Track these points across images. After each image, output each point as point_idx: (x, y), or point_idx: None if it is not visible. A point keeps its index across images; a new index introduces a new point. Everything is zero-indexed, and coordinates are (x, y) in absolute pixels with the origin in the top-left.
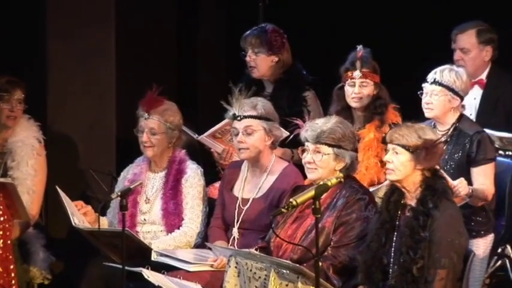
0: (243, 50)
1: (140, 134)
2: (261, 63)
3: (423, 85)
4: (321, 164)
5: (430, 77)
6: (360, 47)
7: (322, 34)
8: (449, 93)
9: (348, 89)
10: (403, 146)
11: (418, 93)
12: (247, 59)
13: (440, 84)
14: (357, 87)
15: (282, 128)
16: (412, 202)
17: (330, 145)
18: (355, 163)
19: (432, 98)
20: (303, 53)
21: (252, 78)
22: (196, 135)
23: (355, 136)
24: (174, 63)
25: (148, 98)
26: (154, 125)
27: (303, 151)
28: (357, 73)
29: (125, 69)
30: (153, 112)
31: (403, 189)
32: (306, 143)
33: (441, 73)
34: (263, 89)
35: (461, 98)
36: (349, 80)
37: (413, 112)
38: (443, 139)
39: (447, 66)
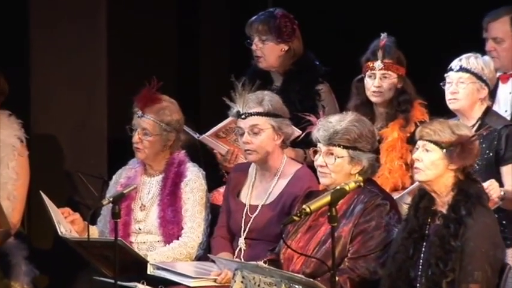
0: (248, 38)
1: (132, 132)
2: (268, 52)
3: (446, 74)
4: (334, 168)
5: (455, 64)
6: (383, 35)
7: (340, 20)
8: (478, 81)
9: (367, 81)
10: (435, 143)
11: (441, 84)
12: (253, 47)
13: (468, 71)
14: (377, 80)
15: (293, 126)
16: (443, 208)
17: (344, 147)
18: (375, 166)
19: (459, 86)
20: (316, 41)
21: (259, 70)
22: (198, 135)
23: (375, 135)
24: (173, 56)
25: (144, 95)
26: (148, 125)
27: (315, 152)
28: (377, 64)
29: (118, 63)
30: (148, 111)
31: (433, 194)
32: (318, 144)
33: (467, 60)
34: (271, 82)
35: (489, 88)
36: (369, 71)
37: (441, 109)
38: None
39: (471, 54)
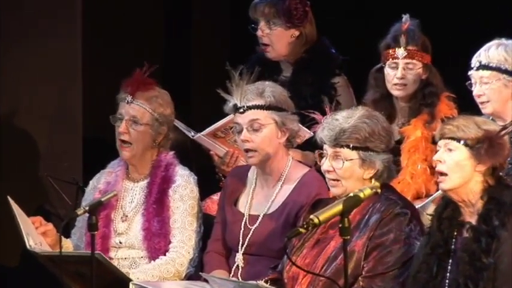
0: (252, 22)
1: (118, 122)
2: (277, 39)
3: (470, 73)
4: (343, 173)
5: (474, 60)
6: (405, 18)
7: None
8: (503, 75)
9: (388, 72)
10: (459, 140)
11: (467, 83)
12: (259, 34)
13: (488, 68)
14: (400, 70)
15: (301, 125)
16: (472, 219)
17: (353, 148)
18: (392, 169)
19: (482, 87)
20: (329, 25)
21: (264, 58)
22: (193, 133)
23: (390, 133)
24: (159, 42)
25: (136, 78)
26: (138, 112)
27: (321, 156)
28: (400, 51)
29: (95, 52)
30: (139, 96)
31: (459, 203)
32: (324, 146)
33: (486, 53)
34: (279, 72)
35: None
36: (390, 60)
37: (472, 103)
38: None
39: (494, 42)
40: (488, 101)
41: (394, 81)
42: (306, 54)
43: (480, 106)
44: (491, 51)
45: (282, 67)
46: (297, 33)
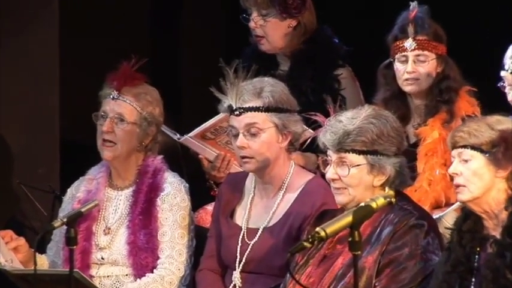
0: (244, 12)
1: (101, 121)
2: (272, 31)
3: (502, 74)
4: (350, 181)
5: (508, 63)
6: (413, 5)
7: None
8: None
9: (398, 67)
10: (473, 147)
11: (499, 85)
12: (251, 25)
13: None
14: (410, 64)
15: (303, 124)
16: (496, 232)
17: (360, 152)
18: (405, 174)
19: None
20: (331, 13)
21: (259, 52)
22: (178, 136)
23: (401, 133)
24: (145, 35)
25: (123, 72)
26: (125, 109)
27: (325, 163)
28: (408, 43)
29: (74, 45)
30: (126, 92)
31: (481, 214)
32: (328, 152)
33: None
34: (276, 66)
35: None
36: (399, 53)
37: (496, 97)
38: None
39: None
40: None
41: (405, 76)
42: (305, 45)
43: None
44: None
45: (278, 60)
46: (294, 23)
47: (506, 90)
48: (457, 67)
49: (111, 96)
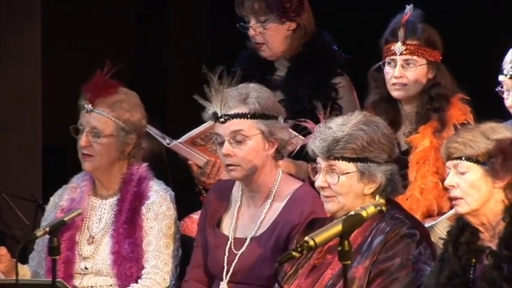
0: (240, 20)
1: (79, 134)
2: (272, 37)
3: (500, 79)
4: (340, 189)
5: (507, 67)
6: (408, 8)
7: None
8: None
9: (387, 71)
10: (469, 158)
11: (497, 89)
12: (251, 33)
13: None
14: (398, 68)
15: (292, 130)
16: (492, 243)
17: (349, 159)
18: (396, 181)
19: None
20: (331, 19)
21: (256, 57)
22: (168, 141)
23: (392, 140)
24: (130, 40)
25: (96, 82)
26: (99, 122)
27: (314, 171)
28: (398, 46)
29: (57, 49)
30: (100, 103)
31: (478, 226)
32: (317, 159)
33: None
34: (273, 71)
35: None
36: (388, 56)
37: (491, 106)
38: None
39: None
40: None
41: (392, 80)
42: (304, 49)
43: None
44: None
45: (275, 65)
46: (293, 25)
47: (504, 95)
48: (450, 74)
49: (86, 110)
